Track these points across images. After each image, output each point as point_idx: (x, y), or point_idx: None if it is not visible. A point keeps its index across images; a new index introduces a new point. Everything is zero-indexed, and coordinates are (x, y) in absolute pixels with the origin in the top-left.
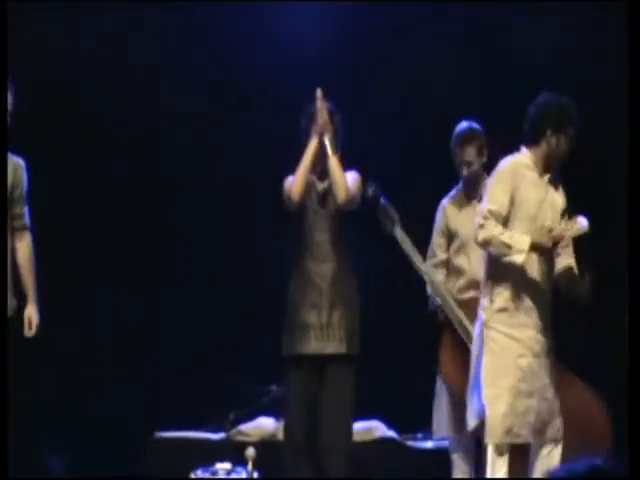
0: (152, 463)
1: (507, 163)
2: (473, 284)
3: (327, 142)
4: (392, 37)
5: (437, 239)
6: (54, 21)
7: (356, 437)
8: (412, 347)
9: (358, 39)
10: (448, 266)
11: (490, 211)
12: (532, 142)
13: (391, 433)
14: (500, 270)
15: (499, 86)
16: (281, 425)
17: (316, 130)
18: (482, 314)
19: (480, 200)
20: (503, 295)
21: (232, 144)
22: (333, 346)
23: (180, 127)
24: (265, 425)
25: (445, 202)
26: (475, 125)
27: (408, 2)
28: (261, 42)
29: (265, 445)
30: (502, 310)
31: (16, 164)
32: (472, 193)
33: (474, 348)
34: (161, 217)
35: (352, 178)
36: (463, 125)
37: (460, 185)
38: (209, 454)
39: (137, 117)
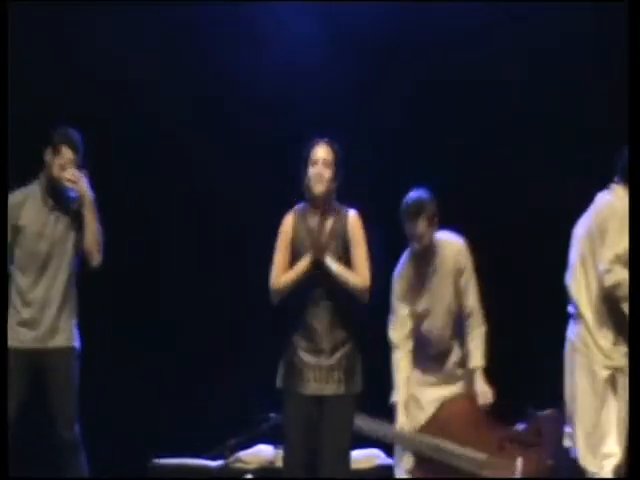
0: None
1: (619, 207)
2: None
3: (328, 261)
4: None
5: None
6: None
7: (355, 465)
8: None
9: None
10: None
11: (616, 255)
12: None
13: (390, 461)
14: (621, 315)
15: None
16: (280, 452)
17: (314, 253)
18: (608, 359)
19: (434, 271)
20: (624, 341)
21: (233, 152)
22: (332, 388)
23: (178, 130)
24: (263, 452)
25: (401, 270)
26: (424, 195)
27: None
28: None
29: (263, 472)
30: (626, 354)
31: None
32: (422, 265)
33: (594, 392)
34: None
35: (363, 265)
36: (411, 196)
37: (409, 253)
38: None
39: (129, 117)
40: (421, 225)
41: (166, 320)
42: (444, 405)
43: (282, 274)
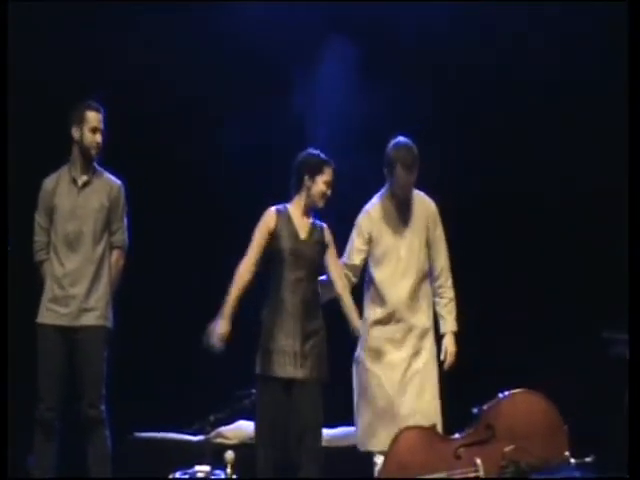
0: (130, 464)
1: None
2: (395, 314)
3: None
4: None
5: (357, 244)
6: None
7: (333, 443)
8: None
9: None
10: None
11: None
12: None
13: None
14: None
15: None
16: None
17: None
18: None
19: (408, 208)
20: None
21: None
22: (305, 372)
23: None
24: (244, 428)
25: (370, 208)
26: (414, 145)
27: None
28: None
29: (244, 448)
30: None
31: (112, 185)
32: (395, 209)
33: None
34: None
35: (337, 265)
36: (407, 145)
37: (386, 192)
38: (188, 456)
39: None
40: (415, 175)
41: (148, 295)
42: (397, 438)
43: (250, 268)
